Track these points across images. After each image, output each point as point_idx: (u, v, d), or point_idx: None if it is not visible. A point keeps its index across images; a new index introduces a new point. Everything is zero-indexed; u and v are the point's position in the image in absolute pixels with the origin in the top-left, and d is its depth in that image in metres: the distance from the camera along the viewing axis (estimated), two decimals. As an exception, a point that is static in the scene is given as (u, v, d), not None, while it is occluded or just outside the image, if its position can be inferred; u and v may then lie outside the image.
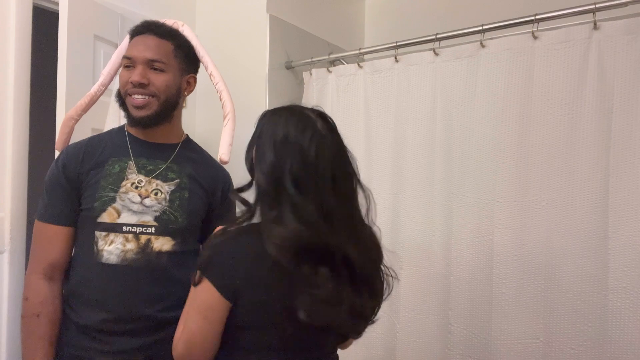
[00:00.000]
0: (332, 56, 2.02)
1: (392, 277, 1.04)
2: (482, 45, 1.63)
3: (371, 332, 1.82)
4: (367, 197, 1.00)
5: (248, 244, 0.95)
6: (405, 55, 1.82)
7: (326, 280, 0.90)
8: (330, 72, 2.01)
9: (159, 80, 1.26)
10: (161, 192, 1.27)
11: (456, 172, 1.68)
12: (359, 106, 1.92)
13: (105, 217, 1.24)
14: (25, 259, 1.55)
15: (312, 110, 1.01)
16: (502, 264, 1.57)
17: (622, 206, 1.39)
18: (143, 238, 1.24)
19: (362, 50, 1.94)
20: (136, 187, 1.26)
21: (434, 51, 1.73)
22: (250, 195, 1.00)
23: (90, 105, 1.44)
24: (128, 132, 1.34)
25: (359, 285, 0.96)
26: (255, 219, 0.98)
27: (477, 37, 1.64)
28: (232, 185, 1.38)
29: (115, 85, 1.35)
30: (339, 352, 1.12)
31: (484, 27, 1.62)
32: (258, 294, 0.94)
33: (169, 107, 1.30)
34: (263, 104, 1.95)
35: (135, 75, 1.24)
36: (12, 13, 1.54)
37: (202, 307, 0.96)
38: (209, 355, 0.98)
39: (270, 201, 0.94)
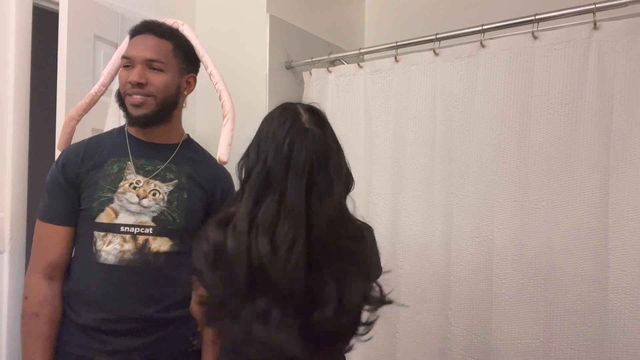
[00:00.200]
0: (332, 56, 2.02)
1: (381, 295, 0.93)
2: (482, 45, 1.63)
3: (371, 332, 1.82)
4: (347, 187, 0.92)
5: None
6: (405, 55, 1.82)
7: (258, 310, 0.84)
8: (330, 72, 2.01)
9: (158, 80, 1.26)
10: (159, 193, 1.27)
11: (456, 172, 1.68)
12: (359, 106, 1.92)
13: (103, 218, 1.24)
14: (25, 259, 1.55)
15: (303, 105, 0.96)
16: (502, 264, 1.57)
17: (622, 206, 1.39)
18: (141, 238, 1.24)
19: (362, 50, 1.94)
20: (134, 188, 1.26)
21: (434, 51, 1.73)
22: None
23: (91, 106, 1.44)
24: (128, 133, 1.34)
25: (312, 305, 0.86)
26: None
27: (477, 37, 1.64)
28: (233, 186, 1.38)
29: (116, 85, 1.35)
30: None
31: (484, 27, 1.62)
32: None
33: (168, 107, 1.30)
34: (263, 104, 1.95)
35: (134, 75, 1.24)
36: (12, 13, 1.54)
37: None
38: None
39: (238, 193, 0.93)
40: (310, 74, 2.06)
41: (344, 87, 1.97)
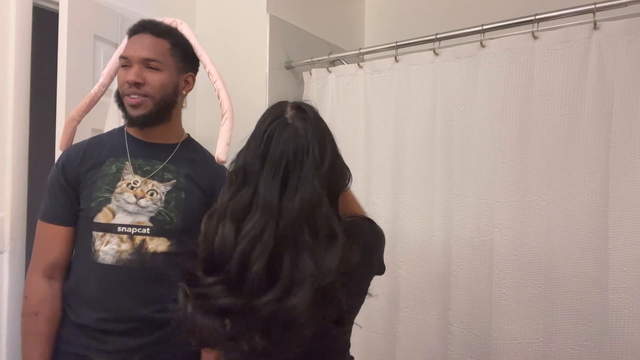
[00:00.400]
0: (332, 56, 2.02)
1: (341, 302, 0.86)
2: (482, 45, 1.63)
3: (371, 332, 1.83)
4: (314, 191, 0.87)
5: None
6: (405, 55, 1.82)
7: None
8: (330, 72, 2.01)
9: (155, 80, 1.26)
10: (157, 193, 1.27)
11: (456, 172, 1.68)
12: (359, 106, 1.92)
13: (101, 218, 1.24)
14: (25, 259, 1.55)
15: (295, 102, 0.95)
16: (502, 264, 1.57)
17: (622, 206, 1.39)
18: (138, 239, 1.24)
19: (362, 50, 1.94)
20: (132, 188, 1.26)
21: (434, 51, 1.73)
22: None
23: (91, 106, 1.44)
24: (127, 133, 1.34)
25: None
26: None
27: (477, 37, 1.64)
28: None
29: (116, 85, 1.35)
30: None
31: (484, 27, 1.62)
32: None
33: (166, 107, 1.30)
34: (263, 104, 1.95)
35: (131, 75, 1.24)
36: (12, 13, 1.54)
37: None
38: None
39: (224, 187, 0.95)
40: (310, 74, 2.06)
41: (344, 87, 1.97)
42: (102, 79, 1.44)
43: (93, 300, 1.23)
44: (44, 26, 1.72)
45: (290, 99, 0.98)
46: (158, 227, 1.25)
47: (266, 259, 0.84)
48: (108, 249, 1.23)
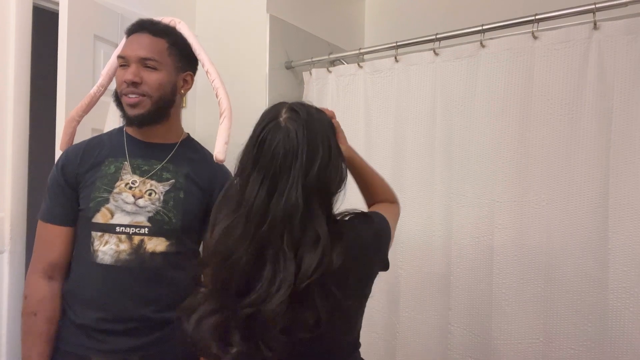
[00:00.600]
0: (332, 56, 2.02)
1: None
2: (482, 45, 1.63)
3: (371, 332, 1.83)
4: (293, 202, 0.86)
5: None
6: (405, 55, 1.82)
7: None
8: (330, 72, 2.01)
9: (152, 79, 1.26)
10: (155, 193, 1.27)
11: (456, 172, 1.68)
12: (359, 106, 1.92)
13: (99, 218, 1.24)
14: (25, 259, 1.55)
15: (291, 103, 0.95)
16: (502, 264, 1.57)
17: (622, 206, 1.39)
18: (136, 239, 1.24)
19: (362, 50, 1.94)
20: (130, 188, 1.26)
21: (434, 51, 1.73)
22: None
23: (91, 106, 1.44)
24: (126, 133, 1.34)
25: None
26: None
27: (477, 37, 1.64)
28: None
29: (115, 85, 1.35)
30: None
31: (484, 27, 1.62)
32: None
33: (164, 106, 1.29)
34: (263, 104, 1.95)
35: (128, 74, 1.24)
36: (12, 13, 1.54)
37: None
38: None
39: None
40: (310, 74, 2.06)
41: (344, 87, 1.97)
42: (101, 79, 1.44)
43: (92, 300, 1.23)
44: (44, 26, 1.72)
45: (291, 99, 0.97)
46: (156, 227, 1.25)
47: (248, 263, 0.85)
48: (107, 249, 1.23)
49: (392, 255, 1.08)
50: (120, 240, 1.23)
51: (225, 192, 0.94)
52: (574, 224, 1.47)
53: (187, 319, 0.90)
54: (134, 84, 1.24)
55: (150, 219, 1.25)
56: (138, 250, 1.23)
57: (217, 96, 1.40)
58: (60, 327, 1.26)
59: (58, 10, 1.57)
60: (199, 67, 1.42)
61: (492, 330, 1.58)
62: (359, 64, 1.94)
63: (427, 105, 1.76)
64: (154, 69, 1.26)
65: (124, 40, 1.35)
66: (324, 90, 2.02)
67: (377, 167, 1.86)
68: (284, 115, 0.91)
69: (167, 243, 1.26)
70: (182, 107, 1.41)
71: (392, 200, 1.18)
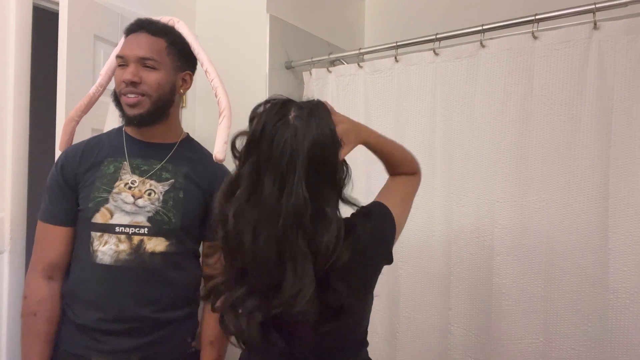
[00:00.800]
0: (332, 56, 2.02)
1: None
2: (482, 45, 1.63)
3: (371, 332, 1.82)
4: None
5: None
6: (405, 55, 1.82)
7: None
8: (330, 72, 2.01)
9: (151, 79, 1.26)
10: (154, 193, 1.27)
11: (456, 171, 1.68)
12: (359, 106, 1.92)
13: (99, 218, 1.24)
14: (25, 259, 1.55)
15: (299, 102, 0.97)
16: (502, 264, 1.57)
17: (622, 206, 1.39)
18: (136, 239, 1.24)
19: (362, 50, 1.94)
20: (129, 188, 1.26)
21: (434, 51, 1.73)
22: None
23: (90, 106, 1.44)
24: (125, 132, 1.34)
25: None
26: None
27: (477, 37, 1.64)
28: None
29: (114, 84, 1.35)
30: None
31: (484, 27, 1.62)
32: None
33: (163, 105, 1.29)
34: (263, 104, 1.94)
35: (127, 74, 1.24)
36: (12, 13, 1.54)
37: None
38: None
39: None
40: (310, 74, 2.06)
41: (344, 87, 1.97)
42: (100, 79, 1.44)
43: (92, 301, 1.23)
44: (44, 26, 1.72)
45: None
46: (156, 227, 1.25)
47: (274, 263, 0.88)
48: (106, 249, 1.23)
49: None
50: (119, 240, 1.23)
51: (231, 183, 0.95)
52: (574, 224, 1.46)
53: (232, 313, 0.93)
54: (133, 83, 1.24)
55: (149, 219, 1.25)
56: (138, 250, 1.23)
57: (216, 96, 1.40)
58: (60, 327, 1.26)
59: (58, 10, 1.57)
60: (198, 66, 1.42)
61: (492, 330, 1.58)
62: (359, 64, 1.94)
63: (427, 105, 1.75)
64: (153, 68, 1.26)
65: (122, 40, 1.35)
66: (324, 90, 2.02)
67: (376, 168, 1.87)
68: (292, 113, 0.92)
69: (167, 243, 1.26)
70: (182, 106, 1.42)
71: (412, 172, 1.16)
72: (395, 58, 1.83)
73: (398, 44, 1.81)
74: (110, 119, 1.55)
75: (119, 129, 1.37)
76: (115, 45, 1.47)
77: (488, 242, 1.60)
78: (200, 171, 1.35)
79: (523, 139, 1.55)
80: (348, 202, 1.00)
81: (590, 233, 1.44)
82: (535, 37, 1.54)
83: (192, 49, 1.38)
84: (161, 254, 1.25)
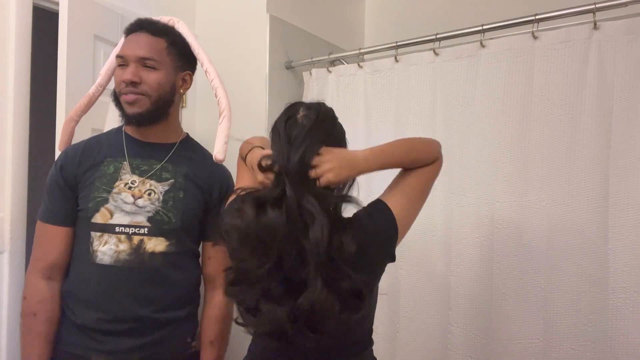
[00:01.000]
0: (332, 56, 2.02)
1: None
2: (482, 45, 1.63)
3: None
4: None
5: None
6: (405, 55, 1.82)
7: None
8: (330, 72, 2.01)
9: (151, 78, 1.25)
10: (154, 193, 1.27)
11: (456, 171, 1.68)
12: (359, 106, 1.92)
13: (99, 218, 1.24)
14: (25, 259, 1.55)
15: (308, 103, 1.03)
16: (502, 264, 1.57)
17: (622, 206, 1.39)
18: (136, 239, 1.24)
19: (362, 50, 1.94)
20: (129, 188, 1.26)
21: (434, 51, 1.73)
22: None
23: (90, 106, 1.44)
24: (125, 132, 1.34)
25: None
26: None
27: (477, 37, 1.64)
28: (232, 184, 1.37)
29: (114, 84, 1.35)
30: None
31: (484, 27, 1.62)
32: None
33: (163, 105, 1.29)
34: (263, 104, 1.95)
35: (127, 74, 1.24)
36: (12, 13, 1.54)
37: None
38: None
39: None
40: (310, 74, 2.06)
41: (344, 87, 1.97)
42: (99, 79, 1.44)
43: (92, 301, 1.23)
44: (44, 26, 1.72)
45: (290, 100, 1.04)
46: (156, 227, 1.25)
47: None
48: (106, 249, 1.23)
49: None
50: (119, 240, 1.23)
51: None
52: (574, 224, 1.46)
53: (268, 302, 0.93)
54: (133, 83, 1.24)
55: (149, 219, 1.25)
56: (138, 250, 1.23)
57: (216, 96, 1.40)
58: (60, 327, 1.26)
59: (58, 10, 1.57)
60: (198, 66, 1.42)
61: (492, 330, 1.58)
62: (359, 64, 1.94)
63: (427, 105, 1.75)
64: (153, 68, 1.26)
65: (122, 40, 1.35)
66: (324, 90, 2.02)
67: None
68: (301, 113, 0.99)
69: (167, 243, 1.26)
70: (182, 106, 1.41)
71: (431, 162, 1.13)
72: (395, 58, 1.83)
73: (398, 44, 1.81)
74: (110, 119, 1.55)
75: (119, 129, 1.37)
76: (115, 45, 1.47)
77: (488, 242, 1.60)
78: (200, 171, 1.34)
79: (523, 139, 1.55)
80: (350, 201, 1.01)
81: (590, 233, 1.44)
82: (535, 37, 1.54)
83: (192, 49, 1.37)
84: (161, 254, 1.25)
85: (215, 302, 1.35)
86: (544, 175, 1.51)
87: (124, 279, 1.23)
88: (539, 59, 1.53)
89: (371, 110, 1.89)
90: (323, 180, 0.95)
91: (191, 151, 1.39)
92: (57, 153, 1.46)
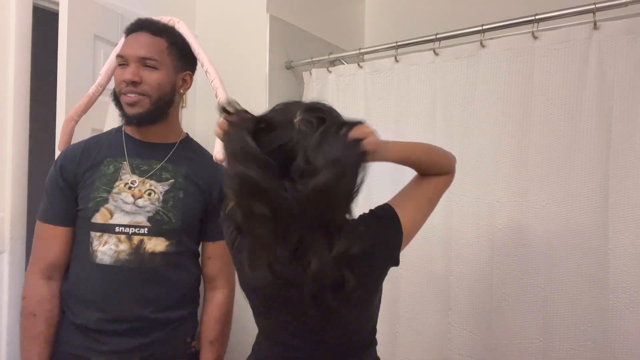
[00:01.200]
0: (332, 56, 2.02)
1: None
2: (482, 45, 1.63)
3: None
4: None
5: None
6: (405, 55, 1.82)
7: None
8: (330, 72, 2.00)
9: (152, 78, 1.26)
10: (154, 193, 1.27)
11: (456, 172, 1.68)
12: (359, 106, 1.92)
13: (99, 218, 1.24)
14: (25, 259, 1.55)
15: (307, 104, 1.00)
16: (502, 264, 1.57)
17: (622, 206, 1.39)
18: (136, 239, 1.24)
19: (362, 50, 1.94)
20: (129, 188, 1.26)
21: (434, 51, 1.73)
22: None
23: (89, 106, 1.44)
24: (125, 132, 1.34)
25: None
26: None
27: (477, 37, 1.63)
28: None
29: (114, 84, 1.35)
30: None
31: (484, 27, 1.62)
32: None
33: (163, 105, 1.29)
34: (263, 104, 1.95)
35: (127, 74, 1.24)
36: (12, 13, 1.54)
37: None
38: None
39: None
40: (310, 74, 2.06)
41: (344, 87, 1.97)
42: (99, 79, 1.44)
43: (91, 301, 1.23)
44: (44, 26, 1.72)
45: (291, 100, 1.01)
46: (156, 227, 1.25)
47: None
48: (106, 249, 1.23)
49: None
50: (119, 241, 1.23)
51: None
52: (574, 224, 1.46)
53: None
54: (134, 83, 1.24)
55: (149, 219, 1.25)
56: (137, 250, 1.23)
57: (216, 96, 1.40)
58: (60, 327, 1.26)
59: (58, 10, 1.57)
60: (198, 66, 1.42)
61: (492, 330, 1.58)
62: (359, 64, 1.93)
63: (427, 105, 1.75)
64: (154, 68, 1.26)
65: (122, 40, 1.35)
66: (324, 90, 2.02)
67: (376, 168, 1.87)
68: (298, 117, 0.96)
69: (167, 243, 1.26)
70: (182, 106, 1.42)
71: (445, 173, 1.13)
72: (395, 58, 1.83)
73: (398, 44, 1.81)
74: (110, 119, 1.55)
75: (118, 129, 1.37)
76: (115, 45, 1.47)
77: (488, 242, 1.60)
78: (200, 171, 1.35)
79: (523, 139, 1.55)
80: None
81: (590, 233, 1.44)
82: (535, 37, 1.54)
83: (192, 49, 1.38)
84: (161, 254, 1.25)
85: (215, 302, 1.35)
86: (544, 175, 1.51)
87: (123, 279, 1.23)
88: (539, 59, 1.53)
89: (371, 110, 1.89)
90: (369, 143, 0.96)
91: (191, 151, 1.39)
92: (57, 153, 1.46)
